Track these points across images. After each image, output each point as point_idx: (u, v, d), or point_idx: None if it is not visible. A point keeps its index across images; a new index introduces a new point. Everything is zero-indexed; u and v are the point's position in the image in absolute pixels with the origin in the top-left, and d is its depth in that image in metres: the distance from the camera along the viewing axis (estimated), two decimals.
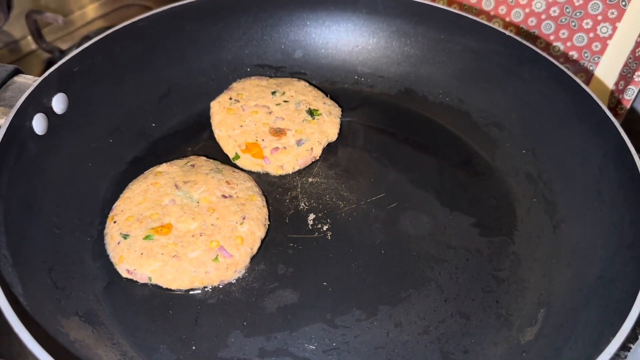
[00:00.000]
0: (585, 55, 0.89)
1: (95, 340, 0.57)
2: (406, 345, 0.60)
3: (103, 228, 0.67)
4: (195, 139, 0.80)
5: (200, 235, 0.65)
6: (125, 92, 0.78)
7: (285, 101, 0.81)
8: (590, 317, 0.57)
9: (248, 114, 0.79)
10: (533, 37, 0.91)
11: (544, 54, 0.76)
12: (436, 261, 0.67)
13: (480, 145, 0.81)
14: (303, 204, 0.72)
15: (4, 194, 0.60)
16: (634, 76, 0.83)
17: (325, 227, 0.70)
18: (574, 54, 0.90)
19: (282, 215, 0.71)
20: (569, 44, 0.90)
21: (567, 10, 0.87)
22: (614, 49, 0.86)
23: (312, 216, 0.71)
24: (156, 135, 0.80)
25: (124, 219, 0.66)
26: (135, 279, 0.63)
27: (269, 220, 0.70)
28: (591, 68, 0.90)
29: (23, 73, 0.70)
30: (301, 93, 0.82)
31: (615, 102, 0.88)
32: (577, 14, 0.86)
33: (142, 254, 0.63)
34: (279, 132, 0.77)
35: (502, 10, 0.92)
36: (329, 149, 0.79)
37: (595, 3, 0.84)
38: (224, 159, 0.76)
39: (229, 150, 0.76)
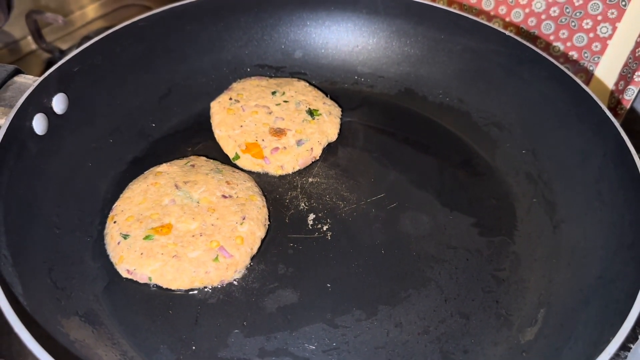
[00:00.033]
0: (585, 55, 0.89)
1: (95, 340, 0.57)
2: (406, 345, 0.60)
3: (103, 228, 0.67)
4: (195, 139, 0.80)
5: (201, 235, 0.65)
6: (125, 92, 0.78)
7: (285, 101, 0.81)
8: (590, 317, 0.57)
9: (248, 114, 0.79)
10: (533, 37, 0.91)
11: (544, 54, 0.76)
12: (436, 261, 0.67)
13: (480, 145, 0.81)
14: (303, 204, 0.72)
15: (4, 194, 0.60)
16: (634, 76, 0.83)
17: (325, 227, 0.70)
18: (574, 54, 0.90)
19: (282, 215, 0.71)
20: (568, 44, 0.90)
21: (567, 10, 0.87)
22: (613, 49, 0.86)
23: (312, 216, 0.71)
24: (156, 135, 0.80)
25: (124, 219, 0.66)
26: (135, 279, 0.63)
27: (269, 220, 0.70)
28: (591, 68, 0.90)
29: (23, 73, 0.70)
30: (301, 93, 0.82)
31: (615, 102, 0.88)
32: (577, 14, 0.86)
33: (142, 254, 0.63)
34: (279, 132, 0.77)
35: (502, 10, 0.92)
36: (329, 149, 0.79)
37: (595, 3, 0.84)
38: (224, 159, 0.76)
39: (229, 150, 0.76)
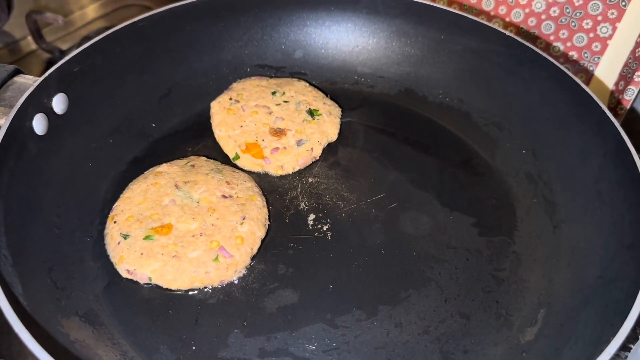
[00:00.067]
0: (585, 55, 0.89)
1: (96, 340, 0.57)
2: (406, 345, 0.60)
3: (103, 228, 0.67)
4: (195, 139, 0.80)
5: (201, 235, 0.65)
6: (125, 92, 0.78)
7: (285, 101, 0.81)
8: (590, 317, 0.57)
9: (248, 114, 0.79)
10: (533, 37, 0.91)
11: (544, 54, 0.76)
12: (436, 261, 0.67)
13: (480, 146, 0.81)
14: (303, 204, 0.72)
15: (4, 194, 0.60)
16: (634, 76, 0.83)
17: (325, 227, 0.70)
18: (574, 54, 0.90)
19: (282, 216, 0.71)
20: (569, 44, 0.90)
21: (567, 10, 0.87)
22: (613, 49, 0.86)
23: (312, 216, 0.71)
24: (156, 135, 0.80)
25: (124, 219, 0.66)
26: (135, 279, 0.63)
27: (269, 221, 0.70)
28: (591, 68, 0.90)
29: (23, 73, 0.70)
30: (301, 93, 0.82)
31: (615, 102, 0.88)
32: (577, 14, 0.86)
33: (142, 254, 0.63)
34: (279, 132, 0.77)
35: (502, 10, 0.92)
36: (329, 149, 0.79)
37: (595, 3, 0.84)
38: (224, 159, 0.76)
39: (229, 150, 0.76)
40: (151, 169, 0.73)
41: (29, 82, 0.68)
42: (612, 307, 0.55)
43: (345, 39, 0.89)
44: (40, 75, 0.67)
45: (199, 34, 0.84)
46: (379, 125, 0.83)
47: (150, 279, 0.62)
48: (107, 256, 0.65)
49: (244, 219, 0.67)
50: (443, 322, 0.62)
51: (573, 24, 0.87)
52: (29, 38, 1.06)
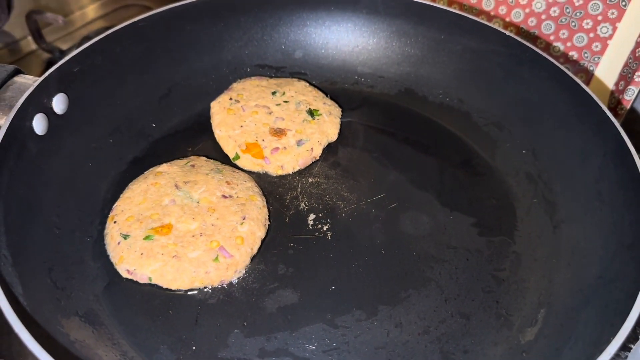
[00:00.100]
0: (585, 55, 0.89)
1: (96, 340, 0.57)
2: (406, 346, 0.60)
3: (103, 228, 0.67)
4: (195, 139, 0.80)
5: (201, 235, 0.65)
6: (125, 92, 0.78)
7: (285, 101, 0.81)
8: (591, 317, 0.57)
9: (248, 114, 0.79)
10: (533, 37, 0.91)
11: (544, 54, 0.76)
12: (436, 261, 0.67)
13: (480, 146, 0.81)
14: (303, 204, 0.72)
15: (4, 194, 0.60)
16: (634, 76, 0.83)
17: (325, 227, 0.70)
18: (574, 54, 0.90)
19: (282, 216, 0.71)
20: (569, 44, 0.90)
21: (567, 10, 0.87)
22: (614, 49, 0.86)
23: (312, 216, 0.71)
24: (156, 135, 0.80)
25: (124, 219, 0.66)
26: (135, 279, 0.63)
27: (269, 221, 0.70)
28: (591, 68, 0.90)
29: (23, 73, 0.70)
30: (301, 93, 0.82)
31: (615, 103, 0.88)
32: (577, 14, 0.86)
33: (142, 254, 0.63)
34: (279, 133, 0.77)
35: (502, 10, 0.92)
36: (329, 149, 0.79)
37: (595, 3, 0.84)
38: (224, 159, 0.76)
39: (229, 150, 0.76)
40: (151, 169, 0.73)
41: (29, 82, 0.68)
42: (612, 307, 0.55)
43: (345, 39, 0.89)
44: (40, 75, 0.67)
45: (199, 34, 0.84)
46: (379, 125, 0.83)
47: (150, 279, 0.62)
48: (107, 256, 0.65)
49: (244, 219, 0.67)
50: (443, 322, 0.62)
51: (573, 24, 0.87)
52: (29, 38, 1.06)
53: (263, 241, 0.67)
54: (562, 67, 0.74)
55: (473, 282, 0.65)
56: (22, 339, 0.47)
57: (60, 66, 0.69)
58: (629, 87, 0.84)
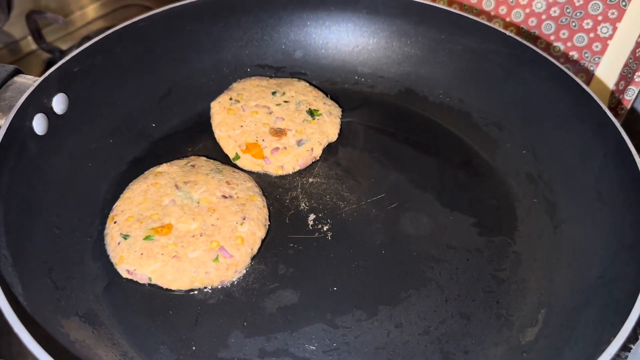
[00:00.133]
0: (586, 55, 0.89)
1: (96, 341, 0.57)
2: (407, 346, 0.60)
3: (103, 228, 0.67)
4: (195, 139, 0.80)
5: (201, 235, 0.64)
6: (125, 92, 0.78)
7: (285, 101, 0.80)
8: (591, 318, 0.57)
9: (248, 114, 0.79)
10: (533, 38, 0.91)
11: (545, 54, 0.76)
12: (436, 261, 0.67)
13: (480, 146, 0.80)
14: (303, 204, 0.72)
15: (4, 194, 0.60)
16: (635, 76, 0.83)
17: (325, 228, 0.70)
18: (574, 54, 0.90)
19: (282, 216, 0.71)
20: (569, 44, 0.90)
21: (568, 10, 0.87)
22: (614, 49, 0.86)
23: (312, 216, 0.71)
24: (156, 136, 0.80)
25: (124, 219, 0.66)
26: (135, 279, 0.63)
27: (269, 221, 0.70)
28: (591, 68, 0.90)
29: (23, 73, 0.70)
30: (301, 93, 0.82)
31: (615, 103, 0.88)
32: (578, 14, 0.86)
33: (142, 254, 0.63)
34: (279, 133, 0.77)
35: (502, 10, 0.92)
36: (329, 149, 0.79)
37: (595, 3, 0.84)
38: (224, 159, 0.76)
39: (229, 150, 0.76)
40: (151, 169, 0.73)
41: (29, 82, 0.68)
42: (613, 308, 0.55)
43: (345, 39, 0.89)
44: (40, 75, 0.67)
45: (199, 34, 0.84)
46: (379, 125, 0.83)
47: (150, 279, 0.62)
48: (107, 256, 0.65)
49: (244, 219, 0.67)
50: (443, 323, 0.62)
51: (573, 24, 0.87)
52: (29, 38, 1.06)
53: (263, 241, 0.67)
54: (562, 67, 0.74)
55: (473, 282, 0.65)
56: (22, 339, 0.47)
57: (60, 66, 0.69)
58: (629, 87, 0.84)
